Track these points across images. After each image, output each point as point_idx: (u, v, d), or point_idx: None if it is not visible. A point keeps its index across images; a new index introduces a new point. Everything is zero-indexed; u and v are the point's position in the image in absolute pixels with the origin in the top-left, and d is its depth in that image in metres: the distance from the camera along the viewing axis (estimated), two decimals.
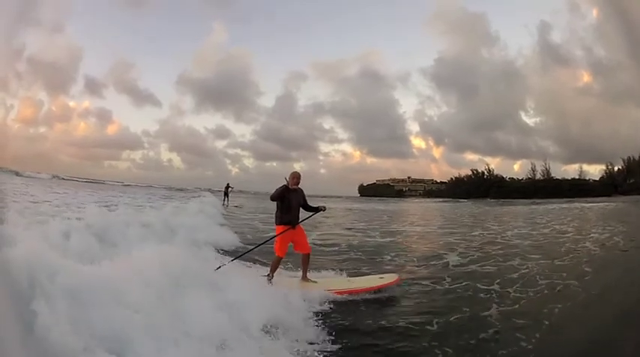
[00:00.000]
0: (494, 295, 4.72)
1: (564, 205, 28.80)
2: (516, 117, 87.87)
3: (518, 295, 4.67)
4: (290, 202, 5.17)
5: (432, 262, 6.62)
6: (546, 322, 3.72)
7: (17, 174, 41.63)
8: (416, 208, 31.80)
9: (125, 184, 59.14)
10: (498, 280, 5.33)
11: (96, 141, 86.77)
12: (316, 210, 5.42)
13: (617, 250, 7.77)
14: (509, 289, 4.89)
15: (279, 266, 5.20)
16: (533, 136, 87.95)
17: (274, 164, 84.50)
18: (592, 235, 9.98)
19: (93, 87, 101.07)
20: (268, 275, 5.02)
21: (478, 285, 5.12)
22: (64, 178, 45.79)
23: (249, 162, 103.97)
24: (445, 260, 6.77)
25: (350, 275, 5.54)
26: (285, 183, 5.16)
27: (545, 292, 4.78)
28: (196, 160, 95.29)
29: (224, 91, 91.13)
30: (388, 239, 9.61)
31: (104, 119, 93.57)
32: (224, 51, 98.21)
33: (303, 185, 5.34)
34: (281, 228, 5.14)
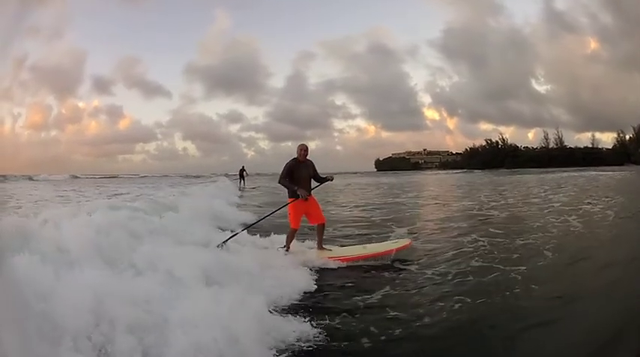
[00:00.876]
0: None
1: (574, 174, 29.09)
2: (528, 85, 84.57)
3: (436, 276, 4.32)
4: (301, 174, 5.30)
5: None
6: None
7: (30, 178, 42.20)
8: (428, 180, 31.93)
9: (141, 175, 60.26)
10: (422, 259, 5.03)
11: (109, 137, 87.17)
12: (324, 180, 5.59)
13: (600, 227, 6.97)
14: (426, 270, 4.53)
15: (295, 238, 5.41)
16: (545, 104, 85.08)
17: (289, 144, 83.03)
18: (583, 207, 9.67)
19: (101, 85, 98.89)
20: (284, 247, 5.29)
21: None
22: (78, 177, 47.45)
23: (264, 144, 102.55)
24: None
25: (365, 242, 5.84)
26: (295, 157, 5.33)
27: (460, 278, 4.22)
28: (211, 146, 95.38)
29: (233, 76, 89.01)
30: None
31: (115, 115, 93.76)
32: (229, 37, 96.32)
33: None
34: (291, 202, 5.28)
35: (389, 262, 4.89)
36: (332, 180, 5.64)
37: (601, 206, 9.77)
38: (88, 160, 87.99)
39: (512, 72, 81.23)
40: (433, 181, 32.17)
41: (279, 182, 5.30)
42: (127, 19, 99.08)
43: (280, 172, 5.27)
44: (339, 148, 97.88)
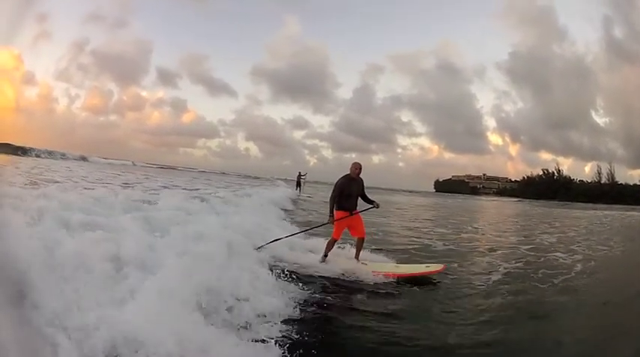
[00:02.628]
0: None
1: (616, 213, 27.04)
2: (587, 116, 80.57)
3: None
4: (351, 190, 5.59)
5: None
6: None
7: (84, 159, 43.31)
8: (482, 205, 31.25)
9: (199, 170, 61.46)
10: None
11: (170, 129, 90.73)
12: (371, 203, 5.76)
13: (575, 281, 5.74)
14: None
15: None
16: (603, 137, 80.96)
17: (353, 156, 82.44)
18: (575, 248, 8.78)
19: (166, 78, 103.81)
20: (323, 255, 5.61)
21: None
22: (134, 165, 47.64)
23: (327, 153, 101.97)
24: None
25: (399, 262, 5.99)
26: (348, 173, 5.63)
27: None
28: (273, 149, 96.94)
29: (300, 82, 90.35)
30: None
31: (179, 108, 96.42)
32: (298, 42, 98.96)
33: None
34: (340, 213, 5.59)
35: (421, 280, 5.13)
36: (378, 207, 5.77)
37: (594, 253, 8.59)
38: (147, 148, 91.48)
39: (574, 101, 78.16)
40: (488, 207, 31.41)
41: (330, 199, 5.62)
42: (193, 16, 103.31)
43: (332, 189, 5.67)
44: (401, 164, 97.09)
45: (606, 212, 28.56)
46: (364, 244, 5.84)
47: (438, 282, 5.21)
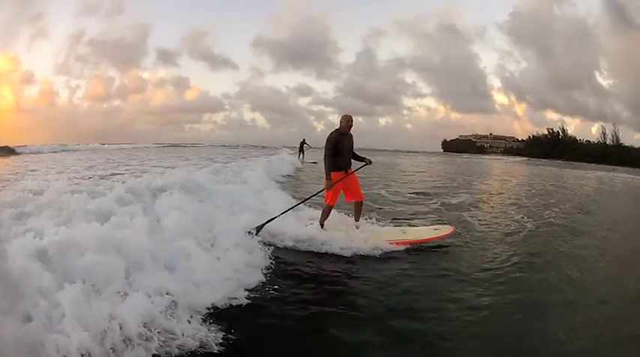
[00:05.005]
0: None
1: (621, 175, 25.82)
2: (592, 78, 79.78)
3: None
4: (343, 146, 4.95)
5: None
6: None
7: (99, 146, 38.72)
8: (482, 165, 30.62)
9: (205, 145, 60.57)
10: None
11: (175, 107, 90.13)
12: (362, 160, 5.14)
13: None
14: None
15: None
16: (607, 99, 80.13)
17: (360, 119, 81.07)
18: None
19: (166, 57, 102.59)
20: (320, 223, 4.98)
21: None
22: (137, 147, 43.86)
23: (334, 118, 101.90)
24: None
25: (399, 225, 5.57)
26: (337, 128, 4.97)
27: None
28: (280, 118, 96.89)
29: (302, 50, 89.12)
30: None
31: (182, 86, 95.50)
32: (299, 11, 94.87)
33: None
34: (336, 174, 4.91)
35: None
36: (370, 163, 5.15)
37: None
38: (153, 129, 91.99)
39: (576, 62, 76.71)
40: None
41: (325, 158, 4.89)
42: None
43: (325, 147, 4.91)
44: (408, 126, 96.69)
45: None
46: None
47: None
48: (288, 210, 4.94)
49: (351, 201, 5.19)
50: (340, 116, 5.07)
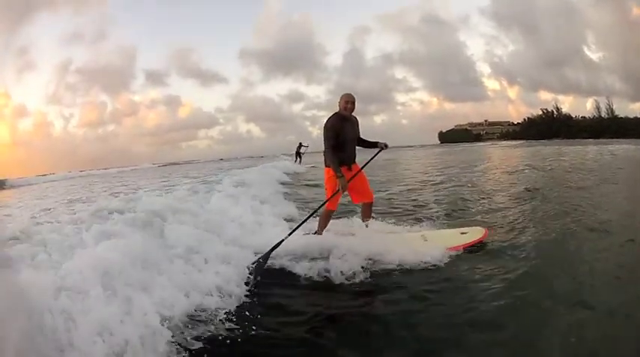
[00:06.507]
0: None
1: (611, 147, 23.68)
2: (580, 52, 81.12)
3: None
4: (345, 134, 3.85)
5: None
6: None
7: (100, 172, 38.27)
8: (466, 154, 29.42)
9: (200, 161, 59.52)
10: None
11: (169, 126, 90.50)
12: (375, 146, 4.14)
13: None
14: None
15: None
16: (599, 72, 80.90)
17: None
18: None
19: (155, 78, 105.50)
20: (316, 232, 3.97)
21: None
22: (133, 169, 43.64)
23: None
24: None
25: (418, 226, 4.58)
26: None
27: None
28: (275, 126, 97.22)
29: (289, 57, 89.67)
30: None
31: (174, 104, 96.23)
32: (282, 18, 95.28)
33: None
34: (333, 173, 3.80)
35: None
36: (386, 147, 4.09)
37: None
38: (151, 150, 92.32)
39: (564, 39, 77.40)
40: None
41: (326, 152, 3.82)
42: (172, 11, 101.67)
43: (324, 137, 3.84)
44: (404, 121, 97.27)
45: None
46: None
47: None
48: (297, 227, 3.73)
49: (358, 203, 4.22)
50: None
